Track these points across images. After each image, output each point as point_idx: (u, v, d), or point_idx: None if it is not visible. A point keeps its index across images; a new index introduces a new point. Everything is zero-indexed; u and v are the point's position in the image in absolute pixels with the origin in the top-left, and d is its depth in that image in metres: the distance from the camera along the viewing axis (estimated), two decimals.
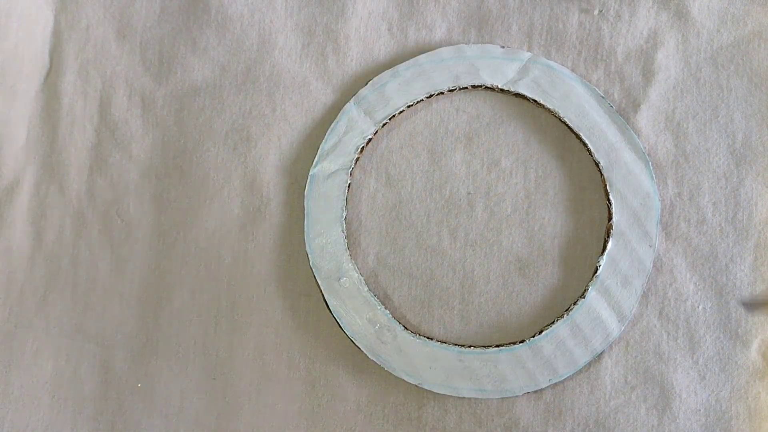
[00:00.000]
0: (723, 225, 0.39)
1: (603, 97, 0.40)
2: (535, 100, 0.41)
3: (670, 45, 0.41)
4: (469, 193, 0.41)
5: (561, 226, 0.40)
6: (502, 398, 0.39)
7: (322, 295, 0.40)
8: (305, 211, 0.41)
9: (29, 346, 0.42)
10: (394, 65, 0.42)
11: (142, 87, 0.43)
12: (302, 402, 0.40)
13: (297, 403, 0.40)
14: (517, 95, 0.41)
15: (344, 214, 0.41)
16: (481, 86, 0.41)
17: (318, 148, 0.41)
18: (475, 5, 0.42)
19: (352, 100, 0.41)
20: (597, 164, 0.40)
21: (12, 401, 0.41)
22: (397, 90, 0.41)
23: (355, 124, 0.41)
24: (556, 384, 0.39)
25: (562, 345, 0.39)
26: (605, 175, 0.40)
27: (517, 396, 0.39)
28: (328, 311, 0.41)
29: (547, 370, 0.39)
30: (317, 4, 0.42)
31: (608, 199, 0.40)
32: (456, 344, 0.40)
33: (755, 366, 0.38)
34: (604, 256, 0.39)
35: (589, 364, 0.39)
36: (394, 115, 0.41)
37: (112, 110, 0.43)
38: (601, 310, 0.39)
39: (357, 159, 0.41)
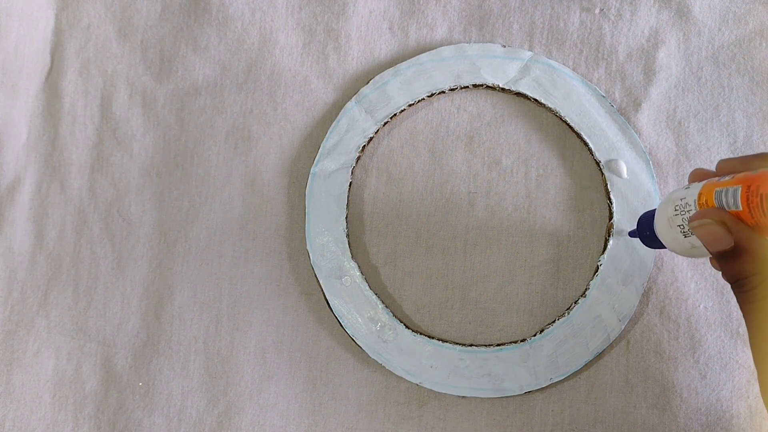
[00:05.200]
0: None
1: (604, 96, 0.40)
2: (536, 99, 0.41)
3: (672, 44, 0.41)
4: (470, 192, 0.41)
5: (562, 225, 0.40)
6: (503, 397, 0.39)
7: (323, 294, 0.40)
8: (306, 210, 0.41)
9: (30, 345, 0.42)
10: (395, 64, 0.42)
11: (143, 86, 0.43)
12: (303, 401, 0.40)
13: (298, 402, 0.40)
14: (518, 94, 0.41)
15: (345, 213, 0.40)
16: (482, 85, 0.41)
17: (319, 147, 0.41)
18: (477, 4, 0.42)
19: (353, 99, 0.41)
20: (598, 163, 0.40)
21: (13, 400, 0.41)
22: (398, 89, 0.41)
23: (356, 123, 0.41)
24: (556, 383, 0.39)
25: (563, 344, 0.39)
26: (606, 174, 0.40)
27: (517, 395, 0.39)
28: (329, 310, 0.41)
29: (548, 369, 0.39)
30: (318, 2, 0.42)
31: (609, 198, 0.40)
32: (457, 343, 0.40)
33: None
34: (605, 255, 0.39)
35: (589, 364, 0.39)
36: (395, 114, 0.41)
37: (114, 109, 0.43)
38: (601, 310, 0.39)
39: (358, 158, 0.41)
